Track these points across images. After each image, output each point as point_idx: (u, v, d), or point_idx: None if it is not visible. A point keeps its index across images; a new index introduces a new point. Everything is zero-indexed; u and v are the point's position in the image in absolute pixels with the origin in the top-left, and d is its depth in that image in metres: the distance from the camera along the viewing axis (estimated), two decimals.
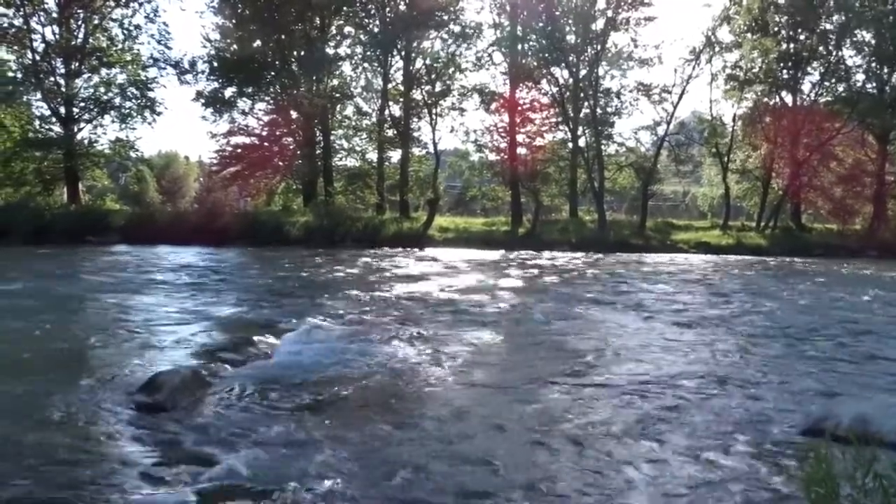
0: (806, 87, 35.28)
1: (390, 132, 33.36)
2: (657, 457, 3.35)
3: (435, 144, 33.29)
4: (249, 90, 31.07)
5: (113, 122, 30.24)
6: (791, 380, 5.01)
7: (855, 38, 33.24)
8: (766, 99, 35.85)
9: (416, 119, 33.79)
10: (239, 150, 31.17)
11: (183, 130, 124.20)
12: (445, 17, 31.90)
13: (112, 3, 29.30)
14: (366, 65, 33.87)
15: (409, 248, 22.94)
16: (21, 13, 27.37)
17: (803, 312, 9.05)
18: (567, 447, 3.47)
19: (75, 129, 28.94)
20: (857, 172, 34.55)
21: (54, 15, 28.26)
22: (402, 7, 31.95)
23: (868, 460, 2.06)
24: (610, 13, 32.34)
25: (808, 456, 3.10)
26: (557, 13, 32.47)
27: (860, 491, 2.06)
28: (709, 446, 3.51)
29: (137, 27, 30.03)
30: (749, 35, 34.08)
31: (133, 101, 30.09)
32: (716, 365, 5.53)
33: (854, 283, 14.38)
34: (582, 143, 34.52)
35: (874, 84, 33.63)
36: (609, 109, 34.84)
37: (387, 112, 33.27)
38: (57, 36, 28.37)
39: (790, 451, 3.42)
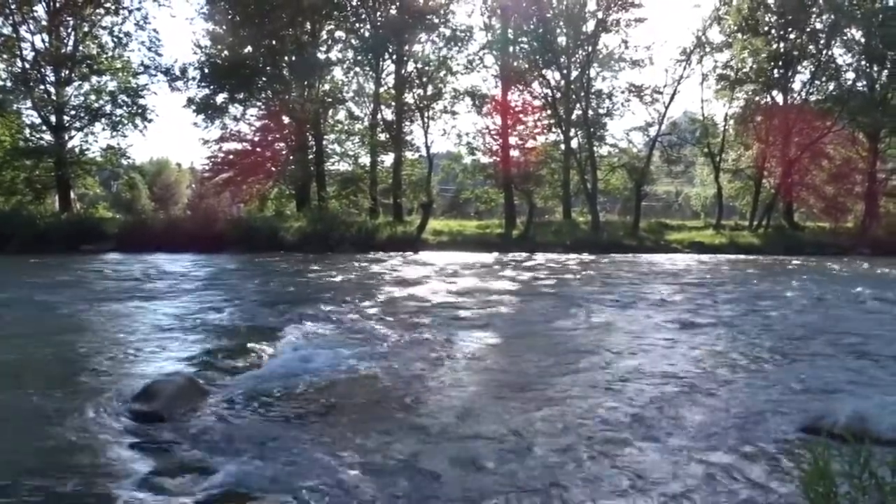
0: (797, 86, 35.58)
1: (383, 136, 33.38)
2: (654, 456, 3.35)
3: (427, 147, 33.38)
4: (241, 96, 31.03)
5: (104, 129, 30.18)
6: (787, 378, 5.02)
7: (845, 37, 33.42)
8: (757, 98, 36.05)
9: (408, 122, 33.83)
10: (231, 156, 31.15)
11: (174, 137, 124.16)
12: (436, 21, 31.95)
13: (102, 11, 29.24)
14: (357, 69, 33.86)
15: (403, 252, 22.93)
16: (10, 21, 27.30)
17: (798, 311, 9.08)
18: (564, 447, 3.47)
19: (66, 138, 28.85)
20: (848, 170, 34.72)
21: (44, 23, 28.18)
22: (393, 11, 31.97)
23: (865, 458, 2.07)
24: (600, 15, 32.47)
25: (805, 454, 3.12)
26: (548, 15, 32.55)
27: (858, 489, 2.07)
28: (706, 445, 3.51)
29: (127, 34, 30.03)
30: (739, 35, 34.28)
31: (124, 108, 30.03)
32: (712, 364, 5.55)
33: (848, 280, 14.44)
34: (574, 144, 34.62)
35: (864, 82, 33.82)
36: (601, 111, 34.99)
37: (379, 116, 33.30)
38: (46, 44, 28.30)
39: (787, 450, 3.43)
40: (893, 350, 6.19)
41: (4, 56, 27.87)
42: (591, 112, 33.82)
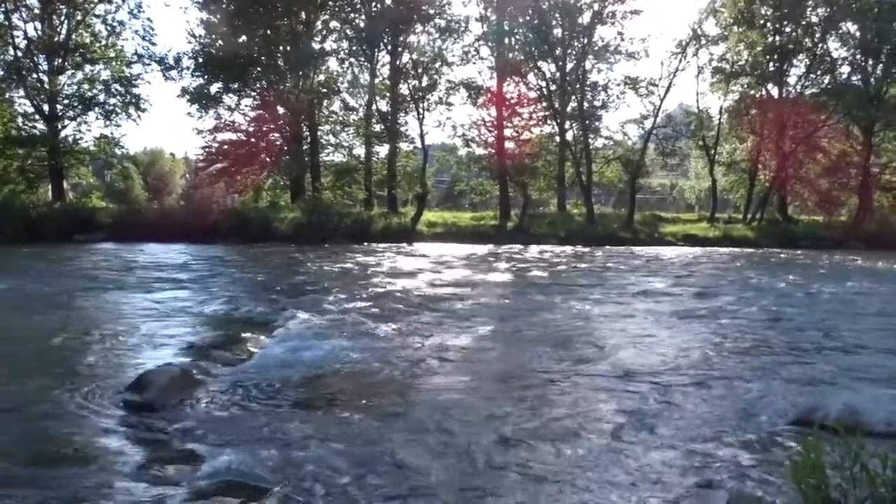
0: (792, 79, 35.68)
1: (377, 127, 33.29)
2: (646, 449, 3.36)
3: (422, 139, 33.30)
4: (235, 86, 30.88)
5: (97, 118, 30.13)
6: (780, 371, 5.04)
7: (840, 31, 33.47)
8: (752, 91, 36.08)
9: (403, 113, 33.75)
10: (225, 147, 31.00)
11: (168, 127, 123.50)
12: (432, 12, 31.83)
13: None
14: (352, 60, 33.74)
15: (397, 243, 22.92)
16: (2, 9, 27.06)
17: (791, 304, 9.11)
18: (557, 441, 3.47)
19: (59, 127, 28.72)
20: (842, 164, 34.79)
21: (36, 11, 28.00)
22: (388, 1, 31.84)
23: (857, 450, 2.07)
24: (596, 7, 32.44)
25: (797, 446, 3.13)
26: (544, 7, 32.49)
27: (849, 481, 2.07)
28: (698, 438, 3.52)
29: (121, 23, 29.89)
30: (735, 28, 34.30)
31: (117, 97, 29.90)
32: (704, 357, 5.56)
33: (841, 274, 14.50)
34: (569, 136, 34.61)
35: (859, 76, 33.89)
36: (596, 103, 34.97)
37: (374, 107, 33.20)
38: (39, 32, 28.14)
39: (779, 442, 3.44)
40: (885, 343, 6.21)
41: None
42: (586, 104, 33.82)
